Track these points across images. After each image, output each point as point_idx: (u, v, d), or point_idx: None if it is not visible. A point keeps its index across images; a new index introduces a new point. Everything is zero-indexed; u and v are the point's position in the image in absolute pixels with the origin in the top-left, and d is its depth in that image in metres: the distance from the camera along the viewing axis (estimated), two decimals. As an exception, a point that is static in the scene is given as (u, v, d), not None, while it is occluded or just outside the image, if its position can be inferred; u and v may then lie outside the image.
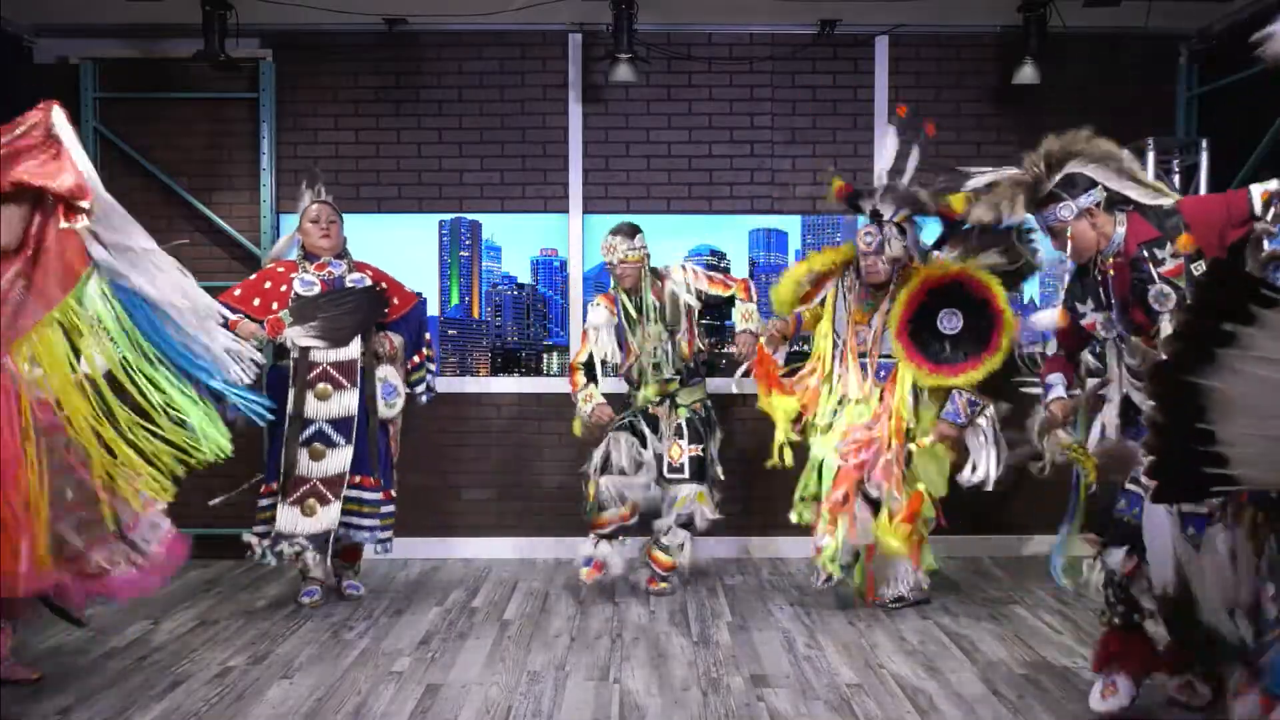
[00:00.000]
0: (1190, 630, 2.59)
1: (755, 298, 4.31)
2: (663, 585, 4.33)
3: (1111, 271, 2.90)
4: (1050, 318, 3.34)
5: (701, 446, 4.27)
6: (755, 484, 4.57)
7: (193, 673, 3.41)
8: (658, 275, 4.32)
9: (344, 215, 4.33)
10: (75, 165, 2.93)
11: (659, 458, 4.27)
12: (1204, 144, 4.68)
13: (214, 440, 3.10)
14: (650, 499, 4.30)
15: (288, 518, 4.03)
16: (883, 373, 4.00)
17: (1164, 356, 1.79)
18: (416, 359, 4.33)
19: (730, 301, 4.31)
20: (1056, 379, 3.16)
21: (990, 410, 3.87)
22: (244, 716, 3.05)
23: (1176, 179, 4.77)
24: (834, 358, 4.09)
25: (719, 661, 3.54)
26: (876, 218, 3.96)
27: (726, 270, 4.56)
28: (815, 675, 3.39)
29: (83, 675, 3.36)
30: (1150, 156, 4.63)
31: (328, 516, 4.05)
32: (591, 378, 4.30)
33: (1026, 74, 4.72)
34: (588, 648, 3.69)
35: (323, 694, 3.22)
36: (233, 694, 3.22)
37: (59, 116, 2.98)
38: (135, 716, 3.04)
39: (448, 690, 3.26)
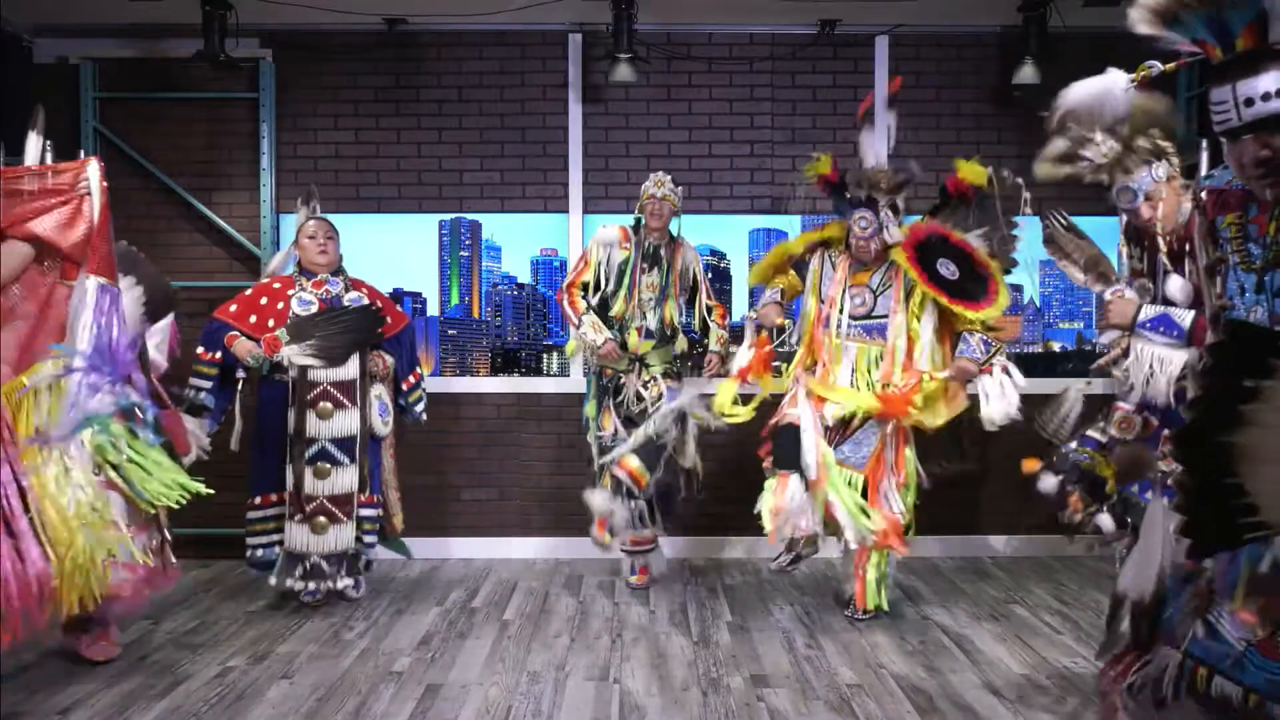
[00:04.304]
0: (1149, 640, 2.63)
1: (726, 326, 4.50)
2: (636, 578, 4.42)
3: (1165, 249, 2.92)
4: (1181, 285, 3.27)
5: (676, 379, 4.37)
6: (755, 484, 4.56)
7: (193, 673, 3.41)
8: (674, 238, 4.41)
9: (344, 216, 4.35)
10: (90, 221, 2.96)
11: (641, 413, 4.30)
12: (1204, 144, 4.68)
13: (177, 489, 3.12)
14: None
15: (298, 536, 4.04)
16: (876, 334, 3.94)
17: (1187, 419, 1.82)
18: (412, 378, 4.36)
19: (681, 337, 4.43)
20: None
21: (1003, 355, 3.83)
22: (244, 716, 3.05)
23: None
24: (821, 324, 4.02)
25: (719, 661, 3.54)
26: (872, 203, 3.94)
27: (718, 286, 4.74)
28: (815, 675, 3.39)
29: (83, 675, 3.36)
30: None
31: (342, 537, 4.07)
32: (588, 304, 4.39)
33: (1026, 74, 4.72)
34: (588, 648, 3.69)
35: (323, 694, 3.22)
36: (233, 694, 3.22)
37: (93, 171, 3.01)
38: (135, 716, 3.04)
39: (448, 690, 3.26)
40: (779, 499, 3.82)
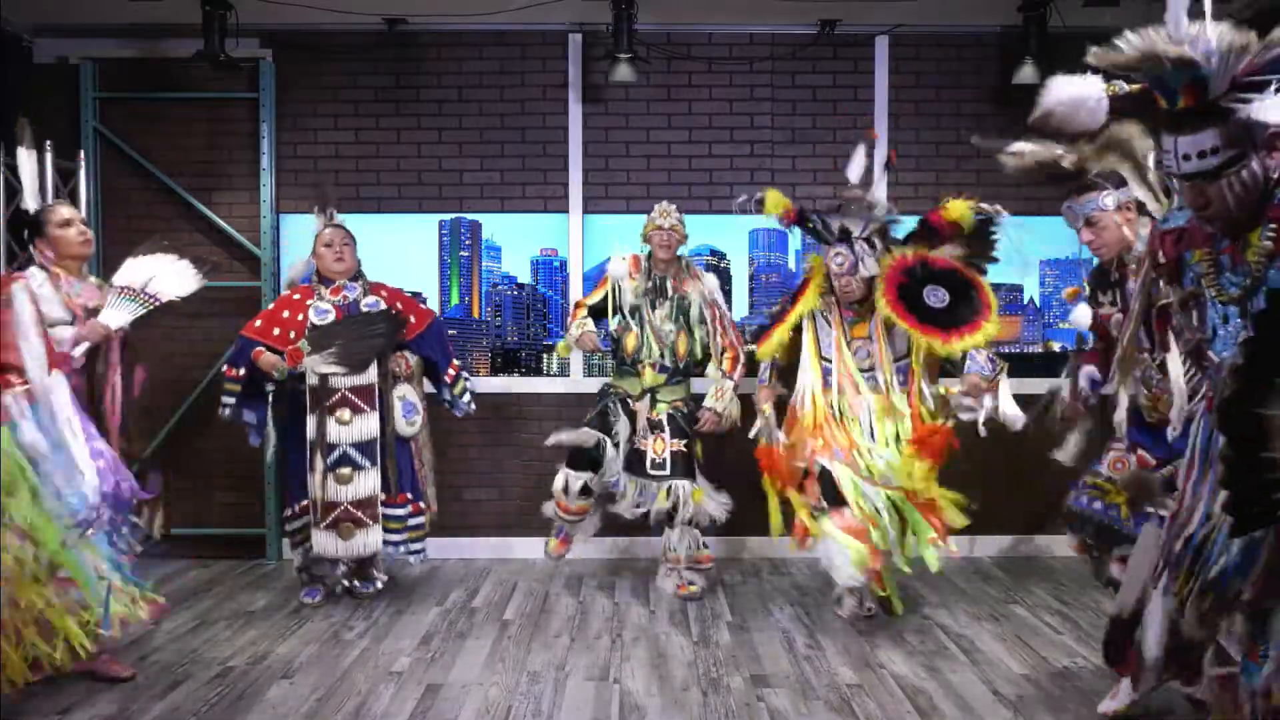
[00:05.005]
0: (1119, 650, 2.65)
1: (738, 376, 4.33)
2: (691, 588, 4.30)
3: (1130, 276, 2.91)
4: (1085, 314, 3.31)
5: (685, 442, 4.27)
6: (754, 484, 4.56)
7: (193, 673, 3.41)
8: (688, 267, 4.38)
9: (344, 216, 4.36)
10: (15, 345, 3.04)
11: (639, 453, 4.26)
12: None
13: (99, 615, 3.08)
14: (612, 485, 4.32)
15: (324, 542, 4.08)
16: (900, 376, 3.93)
17: (1228, 391, 1.82)
18: (452, 372, 4.37)
19: (706, 359, 4.38)
20: (1089, 371, 3.13)
21: (1005, 375, 3.77)
22: (244, 716, 3.05)
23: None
24: (829, 384, 3.98)
25: (719, 661, 3.54)
26: (846, 236, 3.91)
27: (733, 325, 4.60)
28: (815, 675, 3.39)
29: (83, 675, 3.35)
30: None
31: (369, 540, 4.10)
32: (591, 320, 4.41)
33: (1026, 74, 4.72)
34: (588, 648, 3.69)
35: (323, 694, 3.22)
36: (233, 694, 3.22)
37: (18, 293, 3.08)
38: (135, 716, 3.05)
39: (448, 690, 3.26)
40: (844, 524, 3.75)
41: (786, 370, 4.17)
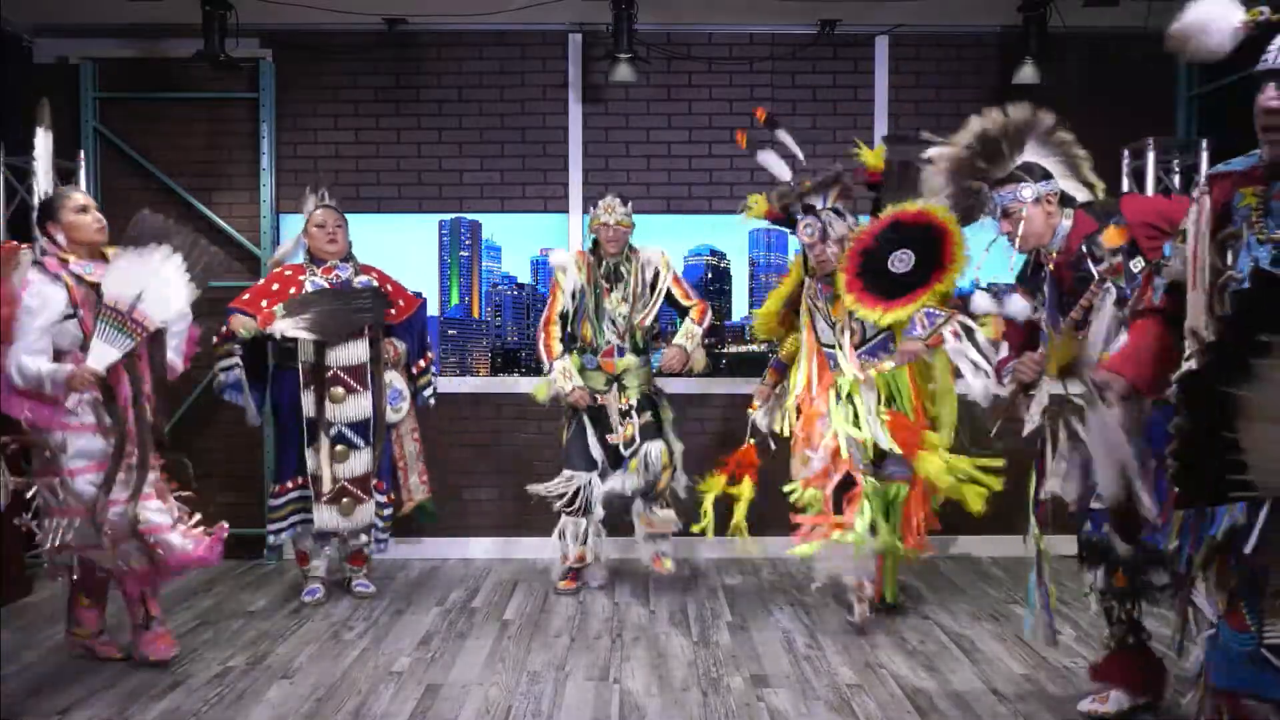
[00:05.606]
0: (1135, 536, 2.54)
1: (706, 324, 4.38)
2: (665, 561, 4.35)
3: (1051, 267, 2.91)
4: (1021, 303, 3.20)
5: (652, 412, 4.33)
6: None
7: (193, 673, 3.41)
8: (632, 249, 4.41)
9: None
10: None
11: (614, 448, 4.31)
12: (1204, 144, 4.67)
13: None
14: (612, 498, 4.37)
15: (326, 517, 4.12)
16: (881, 352, 3.92)
17: (1194, 366, 1.80)
18: (422, 363, 4.38)
19: (683, 312, 4.40)
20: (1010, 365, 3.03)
21: (956, 322, 3.53)
22: (244, 716, 3.05)
23: (1176, 179, 4.77)
24: (819, 361, 4.01)
25: (719, 661, 3.54)
26: (810, 210, 3.92)
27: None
28: (815, 675, 3.39)
29: (83, 675, 3.36)
30: (1150, 156, 4.63)
31: (365, 513, 4.18)
32: (565, 344, 4.39)
33: (1026, 74, 4.71)
34: (588, 648, 3.69)
35: (323, 694, 3.22)
36: (233, 694, 3.22)
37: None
38: (135, 716, 3.04)
39: (448, 690, 3.26)
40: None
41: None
